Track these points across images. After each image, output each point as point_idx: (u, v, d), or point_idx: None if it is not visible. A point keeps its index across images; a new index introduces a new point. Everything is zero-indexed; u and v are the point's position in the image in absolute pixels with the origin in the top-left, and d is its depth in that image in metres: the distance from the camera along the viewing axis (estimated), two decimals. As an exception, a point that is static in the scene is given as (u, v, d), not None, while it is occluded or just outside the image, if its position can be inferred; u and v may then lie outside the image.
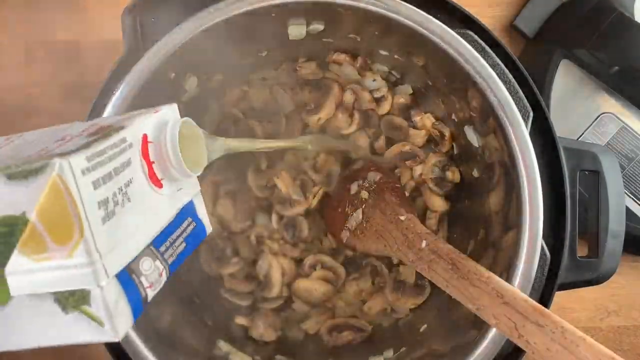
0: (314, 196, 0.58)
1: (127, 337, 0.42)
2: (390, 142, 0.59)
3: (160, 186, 0.25)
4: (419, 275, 0.57)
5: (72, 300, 0.21)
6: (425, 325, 0.54)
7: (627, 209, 0.56)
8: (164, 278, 0.26)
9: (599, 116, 0.58)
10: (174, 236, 0.27)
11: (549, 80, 0.58)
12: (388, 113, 0.59)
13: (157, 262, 0.26)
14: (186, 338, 0.50)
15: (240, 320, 0.57)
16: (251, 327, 0.57)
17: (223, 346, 0.52)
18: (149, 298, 0.25)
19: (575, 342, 0.35)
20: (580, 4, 0.59)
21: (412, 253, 0.46)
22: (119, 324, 0.22)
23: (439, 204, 0.57)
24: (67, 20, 0.65)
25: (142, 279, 0.24)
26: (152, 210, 0.25)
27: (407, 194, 0.58)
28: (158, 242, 0.25)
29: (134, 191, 0.23)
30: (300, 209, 0.57)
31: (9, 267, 0.20)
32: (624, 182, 0.52)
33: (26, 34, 0.65)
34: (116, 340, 0.22)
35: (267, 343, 0.57)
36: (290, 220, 0.58)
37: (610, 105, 0.58)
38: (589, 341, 0.34)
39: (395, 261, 0.58)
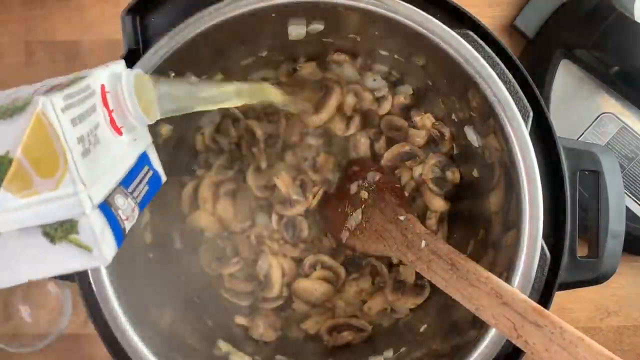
0: (314, 196, 0.58)
1: (127, 337, 0.42)
2: (390, 143, 0.59)
3: (120, 134, 0.27)
4: (418, 275, 0.57)
5: (61, 231, 0.22)
6: (425, 325, 0.54)
7: (627, 209, 0.56)
8: (136, 214, 0.28)
9: (599, 116, 0.58)
10: (137, 179, 0.29)
11: (549, 80, 0.58)
12: (388, 113, 0.59)
13: (129, 199, 0.28)
14: (186, 338, 0.50)
15: (240, 320, 0.57)
16: (251, 327, 0.57)
17: (223, 346, 0.52)
18: (127, 230, 0.27)
19: (574, 342, 0.35)
20: (580, 4, 0.59)
21: (411, 253, 0.46)
22: (106, 250, 0.23)
23: (438, 204, 0.57)
24: (67, 20, 0.65)
25: (119, 212, 0.26)
26: (117, 153, 0.27)
27: (407, 194, 0.58)
28: (126, 183, 0.27)
29: (100, 135, 0.25)
30: (300, 209, 0.57)
31: None
32: (624, 182, 0.52)
33: (26, 34, 0.65)
34: (104, 264, 0.23)
35: (267, 343, 0.57)
36: (290, 220, 0.58)
37: (610, 105, 0.58)
38: (588, 341, 0.35)
39: (395, 261, 0.58)
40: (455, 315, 0.50)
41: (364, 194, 0.54)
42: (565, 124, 0.58)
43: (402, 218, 0.49)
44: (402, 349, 0.52)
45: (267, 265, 0.57)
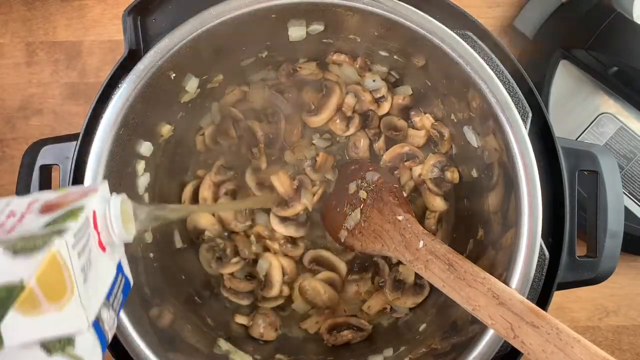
0: (313, 195, 0.58)
1: (128, 337, 0.42)
2: (389, 143, 0.59)
3: (104, 250, 0.32)
4: (418, 275, 0.57)
5: (59, 345, 0.27)
6: (425, 324, 0.54)
7: (626, 209, 0.56)
8: (115, 324, 0.33)
9: (597, 116, 0.58)
10: (115, 289, 0.33)
11: (548, 80, 0.58)
12: (388, 114, 0.59)
13: (111, 311, 0.32)
14: (186, 337, 0.50)
15: (241, 319, 0.57)
16: (251, 326, 0.57)
17: (223, 345, 0.52)
18: (109, 341, 0.32)
19: (570, 343, 0.35)
20: (579, 5, 0.59)
21: (409, 253, 0.46)
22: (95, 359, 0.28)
23: (438, 204, 0.57)
24: (67, 20, 0.65)
25: (105, 325, 0.31)
26: (102, 269, 0.31)
27: (405, 194, 0.58)
28: (108, 295, 0.32)
29: (92, 257, 0.30)
30: (297, 209, 0.57)
31: (5, 323, 0.25)
32: (622, 182, 0.53)
33: (27, 34, 0.65)
34: None
35: (267, 342, 0.57)
36: (289, 220, 0.58)
37: (609, 105, 0.58)
38: (584, 342, 0.35)
39: (394, 261, 0.58)
40: (454, 315, 0.50)
41: (363, 194, 0.54)
42: (564, 124, 0.58)
43: (400, 218, 0.50)
44: (402, 348, 0.52)
45: (267, 264, 0.57)
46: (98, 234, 0.31)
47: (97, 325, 0.30)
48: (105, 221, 0.32)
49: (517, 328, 0.37)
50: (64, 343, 0.27)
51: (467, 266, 0.42)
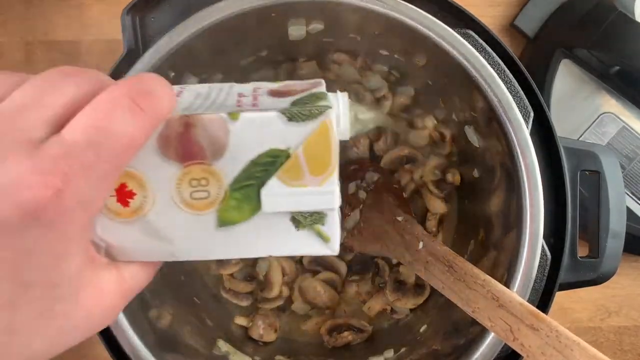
0: None
1: (127, 337, 0.42)
2: (390, 144, 0.59)
3: None
4: (419, 276, 0.57)
5: (309, 220, 0.27)
6: (425, 326, 0.54)
7: (628, 209, 0.56)
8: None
9: (599, 116, 0.58)
10: None
11: (549, 80, 0.58)
12: (389, 114, 0.58)
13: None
14: (186, 338, 0.50)
15: (240, 320, 0.57)
16: (251, 327, 0.57)
17: (223, 346, 0.52)
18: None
19: (570, 346, 0.35)
20: (580, 4, 0.59)
21: (409, 254, 0.46)
22: (336, 242, 0.28)
23: (438, 206, 0.57)
24: (67, 20, 0.65)
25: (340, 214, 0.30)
26: None
27: (405, 195, 0.58)
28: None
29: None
30: None
31: (266, 189, 0.26)
32: (624, 182, 0.52)
33: (26, 33, 0.65)
34: (335, 253, 0.28)
35: (266, 343, 0.56)
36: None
37: (611, 105, 0.57)
38: (583, 345, 0.35)
39: (394, 261, 0.58)
40: (455, 316, 0.49)
41: (362, 194, 0.54)
42: (566, 123, 0.58)
43: (400, 219, 0.49)
44: (403, 349, 0.52)
45: (267, 265, 0.57)
46: None
47: (340, 210, 0.29)
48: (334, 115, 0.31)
49: (516, 330, 0.37)
50: (315, 219, 0.27)
51: (467, 268, 0.42)
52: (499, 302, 0.39)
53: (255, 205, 0.26)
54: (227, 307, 0.58)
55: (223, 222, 0.26)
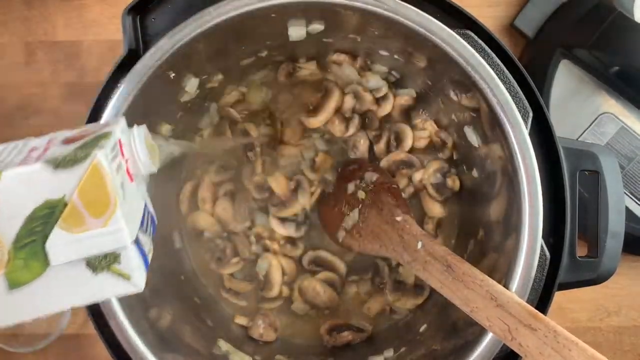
0: (312, 195, 0.58)
1: (127, 337, 0.42)
2: (390, 146, 0.59)
3: (132, 180, 0.31)
4: (418, 276, 0.57)
5: (104, 262, 0.27)
6: (425, 326, 0.54)
7: (627, 209, 0.56)
8: (152, 249, 0.33)
9: (598, 116, 0.58)
10: (145, 221, 0.33)
11: (549, 80, 0.58)
12: (389, 115, 0.58)
13: (146, 236, 0.32)
14: (186, 338, 0.50)
15: (240, 320, 0.57)
16: (251, 327, 0.57)
17: (223, 345, 0.52)
18: (149, 262, 0.31)
19: (568, 346, 0.35)
20: (580, 4, 0.59)
21: (407, 254, 0.46)
22: (140, 277, 0.28)
23: (437, 210, 0.57)
24: (67, 20, 0.65)
25: (144, 246, 0.30)
26: (134, 198, 0.31)
27: (404, 199, 0.58)
28: (142, 222, 0.31)
29: (125, 181, 0.29)
30: (295, 210, 0.57)
31: (50, 242, 0.25)
32: (623, 182, 0.52)
33: (26, 34, 0.65)
34: (139, 290, 0.28)
35: (266, 343, 0.57)
36: (288, 221, 0.58)
37: (610, 105, 0.58)
38: (582, 345, 0.35)
39: (394, 262, 0.58)
40: (454, 316, 0.50)
41: (362, 194, 0.54)
42: (565, 124, 0.58)
43: (399, 219, 0.50)
44: (403, 349, 0.52)
45: (267, 265, 0.57)
46: (126, 161, 0.31)
47: (139, 244, 0.29)
48: (131, 150, 0.32)
49: (514, 330, 0.37)
50: (110, 260, 0.27)
51: (465, 268, 0.42)
52: (497, 302, 0.39)
53: (44, 260, 0.26)
54: (228, 307, 0.58)
55: (14, 284, 0.26)
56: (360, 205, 0.53)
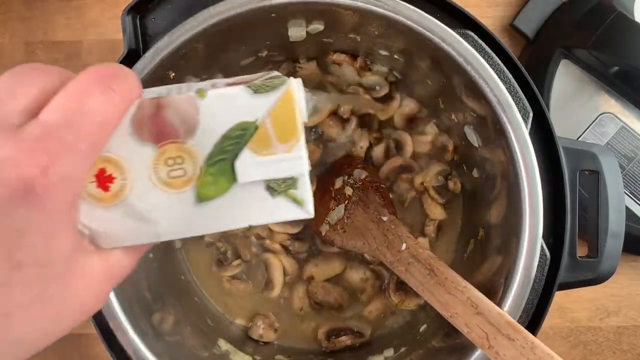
0: None
1: (128, 337, 0.42)
2: (389, 152, 0.58)
3: None
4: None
5: (283, 186, 0.28)
6: (425, 325, 0.54)
7: (627, 209, 0.56)
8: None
9: (598, 116, 0.58)
10: None
11: (549, 80, 0.58)
12: (391, 120, 0.58)
13: None
14: (186, 338, 0.50)
15: (240, 320, 0.57)
16: (250, 327, 0.57)
17: (223, 345, 0.52)
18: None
19: (544, 358, 0.36)
20: (580, 4, 0.59)
21: (390, 254, 0.47)
22: (310, 204, 0.29)
23: (438, 212, 0.57)
24: (67, 20, 0.65)
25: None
26: None
27: (405, 205, 0.58)
28: None
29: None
30: None
31: (239, 161, 0.27)
32: (623, 182, 0.52)
33: (26, 34, 0.65)
34: (310, 216, 0.29)
35: (266, 343, 0.57)
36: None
37: (610, 105, 0.58)
38: (557, 359, 0.36)
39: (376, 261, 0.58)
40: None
41: (349, 190, 0.54)
42: (565, 124, 0.58)
43: (385, 218, 0.50)
44: (403, 349, 0.52)
45: (269, 265, 0.57)
46: None
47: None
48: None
49: (492, 339, 0.38)
50: (289, 184, 0.28)
51: (448, 273, 0.43)
52: (478, 310, 0.40)
53: (231, 177, 0.27)
54: (227, 307, 0.58)
55: (202, 197, 0.27)
56: (346, 202, 0.53)
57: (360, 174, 0.55)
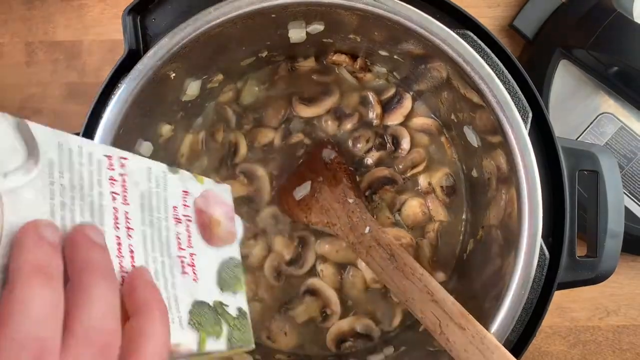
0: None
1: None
2: (384, 159, 0.58)
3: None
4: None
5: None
6: (425, 325, 0.54)
7: (626, 209, 0.56)
8: None
9: (597, 116, 0.58)
10: None
11: (548, 80, 0.58)
12: (391, 124, 0.58)
13: None
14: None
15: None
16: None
17: (223, 346, 0.52)
18: None
19: (491, 349, 0.38)
20: (579, 4, 0.59)
21: (353, 235, 0.49)
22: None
23: (442, 213, 0.57)
24: (67, 20, 0.65)
25: None
26: None
27: (359, 184, 0.57)
28: None
29: None
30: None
31: None
32: (622, 182, 0.53)
33: (26, 34, 0.65)
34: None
35: (266, 343, 0.57)
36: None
37: (609, 105, 0.58)
38: (503, 351, 0.38)
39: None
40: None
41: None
42: (564, 124, 0.58)
43: (350, 200, 0.51)
44: (402, 348, 0.52)
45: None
46: None
47: None
48: None
49: (445, 326, 0.40)
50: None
51: (407, 260, 0.44)
52: (433, 298, 0.42)
53: None
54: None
55: None
56: (312, 180, 0.54)
57: (330, 154, 0.55)
